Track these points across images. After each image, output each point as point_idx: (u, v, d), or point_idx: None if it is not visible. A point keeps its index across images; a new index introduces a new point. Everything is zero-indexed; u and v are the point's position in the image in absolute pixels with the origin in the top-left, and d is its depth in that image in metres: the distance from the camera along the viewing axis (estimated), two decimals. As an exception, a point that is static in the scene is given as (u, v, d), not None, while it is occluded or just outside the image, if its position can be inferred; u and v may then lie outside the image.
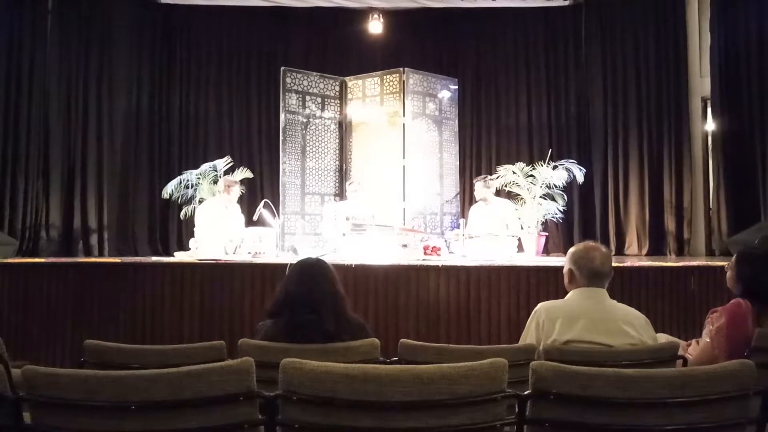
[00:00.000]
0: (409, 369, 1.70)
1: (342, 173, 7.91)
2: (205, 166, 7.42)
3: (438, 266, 4.64)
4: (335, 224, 5.83)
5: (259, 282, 4.44)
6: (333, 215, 6.19)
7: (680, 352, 2.42)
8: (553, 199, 7.31)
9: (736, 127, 6.77)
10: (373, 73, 7.80)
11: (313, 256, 2.77)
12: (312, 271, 2.46)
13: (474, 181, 6.48)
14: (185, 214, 7.29)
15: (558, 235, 7.79)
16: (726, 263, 2.70)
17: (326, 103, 7.88)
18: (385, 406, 1.61)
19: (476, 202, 6.44)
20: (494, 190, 6.50)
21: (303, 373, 1.64)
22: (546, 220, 7.32)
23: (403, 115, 7.46)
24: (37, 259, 5.63)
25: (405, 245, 5.85)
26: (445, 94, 7.91)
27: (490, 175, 6.99)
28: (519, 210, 6.80)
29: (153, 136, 8.21)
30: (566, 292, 2.49)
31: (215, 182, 7.00)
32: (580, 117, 8.18)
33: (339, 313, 2.35)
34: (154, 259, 5.52)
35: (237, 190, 6.16)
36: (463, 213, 7.46)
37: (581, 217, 8.04)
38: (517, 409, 1.73)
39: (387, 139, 7.64)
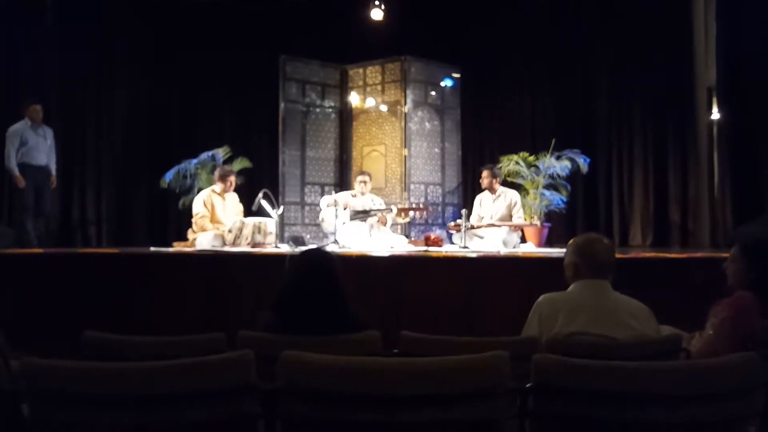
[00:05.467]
0: (410, 362, 1.69)
1: (342, 163, 7.88)
2: (204, 156, 7.39)
3: (439, 257, 4.62)
4: (337, 214, 5.79)
5: (258, 273, 4.41)
6: (329, 203, 6.10)
7: (684, 345, 2.41)
8: (557, 190, 7.28)
9: (742, 117, 6.71)
10: (374, 61, 7.76)
11: (315, 246, 2.75)
12: (313, 262, 2.44)
13: (481, 169, 6.43)
14: (183, 204, 7.26)
15: (561, 225, 7.75)
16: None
17: (326, 91, 7.85)
18: (386, 399, 1.61)
19: (482, 191, 6.40)
20: (501, 179, 6.45)
21: (303, 365, 1.64)
22: (549, 210, 7.28)
23: (405, 104, 7.42)
24: (35, 250, 5.61)
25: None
26: (447, 83, 7.86)
27: (492, 164, 6.93)
28: (522, 200, 6.76)
29: (151, 126, 8.17)
30: (569, 285, 2.47)
31: (214, 171, 6.96)
32: (584, 106, 8.12)
33: (340, 306, 2.33)
34: (153, 249, 5.51)
35: (233, 180, 6.09)
36: (465, 203, 7.43)
37: (585, 208, 8.01)
38: (519, 402, 1.72)
39: (388, 128, 7.61)
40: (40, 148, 6.28)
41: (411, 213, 6.20)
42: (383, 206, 6.35)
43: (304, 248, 3.34)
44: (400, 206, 6.19)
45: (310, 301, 2.31)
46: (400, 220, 6.29)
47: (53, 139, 6.46)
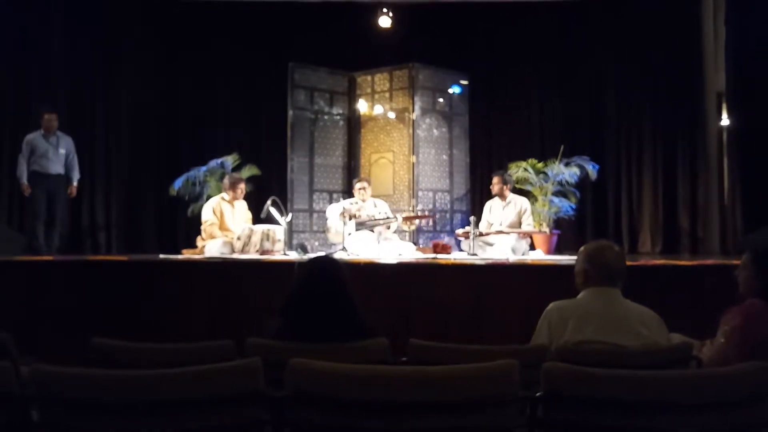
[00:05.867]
0: (419, 369, 1.69)
1: (350, 170, 7.89)
2: (213, 163, 7.42)
3: (448, 264, 4.61)
4: (342, 222, 5.79)
5: (267, 280, 4.42)
6: (340, 213, 6.11)
7: (694, 353, 2.39)
8: (566, 197, 7.25)
9: (752, 123, 6.67)
10: (383, 68, 7.77)
11: (323, 254, 2.75)
12: (322, 269, 2.44)
13: (493, 175, 6.42)
14: (192, 211, 7.28)
15: (570, 232, 7.72)
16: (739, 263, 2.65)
17: (334, 99, 7.86)
18: (394, 406, 1.60)
19: (492, 197, 6.38)
20: (512, 186, 6.44)
21: (311, 373, 1.64)
22: (558, 217, 7.26)
23: (413, 111, 7.43)
24: (45, 257, 5.65)
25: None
26: (455, 90, 7.86)
27: (503, 170, 6.90)
28: (531, 207, 6.75)
29: (160, 133, 8.22)
30: (579, 292, 2.46)
31: (223, 179, 6.98)
32: (592, 112, 8.10)
33: (348, 313, 2.33)
34: (162, 256, 5.52)
35: (243, 188, 6.13)
36: (473, 211, 7.42)
37: (594, 215, 7.97)
38: (528, 411, 1.71)
39: (396, 135, 7.62)
40: (51, 156, 6.32)
41: (416, 221, 6.17)
42: (387, 209, 6.32)
43: (310, 255, 3.34)
44: (405, 215, 6.18)
45: (317, 307, 2.31)
46: (405, 228, 6.28)
47: (71, 148, 6.49)
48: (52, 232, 6.36)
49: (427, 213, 7.35)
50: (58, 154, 6.37)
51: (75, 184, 6.49)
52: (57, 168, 6.35)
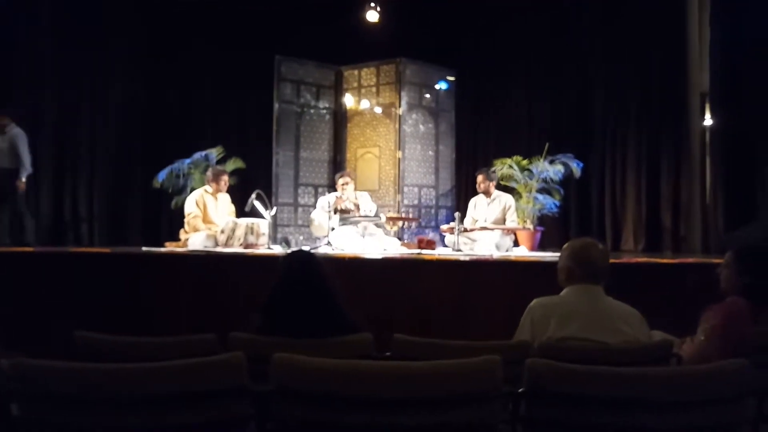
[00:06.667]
0: (402, 365, 1.69)
1: (336, 164, 7.87)
2: (197, 155, 7.36)
3: (432, 260, 4.62)
4: (328, 217, 5.77)
5: (251, 274, 4.40)
6: (326, 207, 6.09)
7: (675, 350, 2.41)
8: (550, 194, 7.30)
9: (734, 123, 6.74)
10: (370, 63, 7.76)
11: (305, 249, 2.74)
12: (300, 264, 2.43)
13: (476, 174, 6.44)
14: (176, 204, 7.22)
15: (554, 229, 7.77)
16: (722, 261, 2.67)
17: (321, 92, 7.84)
18: (377, 401, 1.60)
19: (477, 194, 6.40)
20: (496, 183, 6.46)
21: (295, 368, 1.63)
22: (542, 214, 7.30)
23: (399, 106, 7.42)
24: (26, 249, 5.57)
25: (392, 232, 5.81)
26: (442, 86, 7.87)
27: (487, 167, 6.93)
28: (515, 204, 6.78)
29: (145, 124, 8.13)
30: (562, 289, 2.47)
31: (207, 171, 6.93)
32: (578, 111, 8.14)
33: (331, 308, 2.32)
34: (145, 249, 5.48)
35: (226, 181, 6.09)
36: (458, 206, 7.44)
37: (577, 212, 8.02)
38: (511, 407, 1.72)
39: (382, 130, 7.62)
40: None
41: (400, 223, 6.16)
42: (370, 202, 6.30)
43: (293, 249, 3.32)
44: (389, 215, 6.17)
45: (298, 302, 2.30)
46: (388, 228, 6.28)
47: (18, 142, 6.42)
48: (18, 229, 6.33)
49: (411, 209, 7.35)
50: (4, 149, 6.38)
51: (23, 178, 6.44)
52: (4, 162, 6.36)
